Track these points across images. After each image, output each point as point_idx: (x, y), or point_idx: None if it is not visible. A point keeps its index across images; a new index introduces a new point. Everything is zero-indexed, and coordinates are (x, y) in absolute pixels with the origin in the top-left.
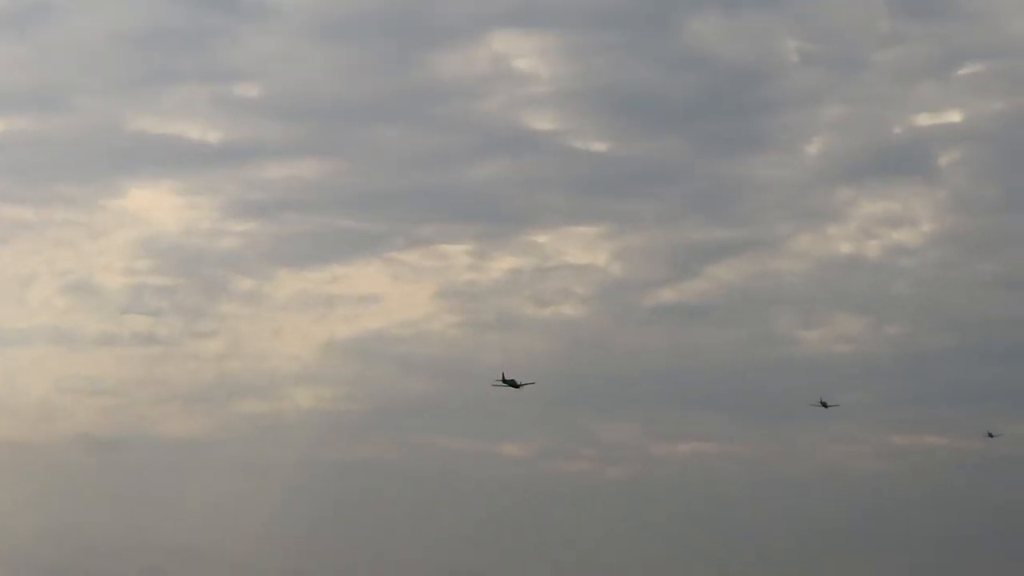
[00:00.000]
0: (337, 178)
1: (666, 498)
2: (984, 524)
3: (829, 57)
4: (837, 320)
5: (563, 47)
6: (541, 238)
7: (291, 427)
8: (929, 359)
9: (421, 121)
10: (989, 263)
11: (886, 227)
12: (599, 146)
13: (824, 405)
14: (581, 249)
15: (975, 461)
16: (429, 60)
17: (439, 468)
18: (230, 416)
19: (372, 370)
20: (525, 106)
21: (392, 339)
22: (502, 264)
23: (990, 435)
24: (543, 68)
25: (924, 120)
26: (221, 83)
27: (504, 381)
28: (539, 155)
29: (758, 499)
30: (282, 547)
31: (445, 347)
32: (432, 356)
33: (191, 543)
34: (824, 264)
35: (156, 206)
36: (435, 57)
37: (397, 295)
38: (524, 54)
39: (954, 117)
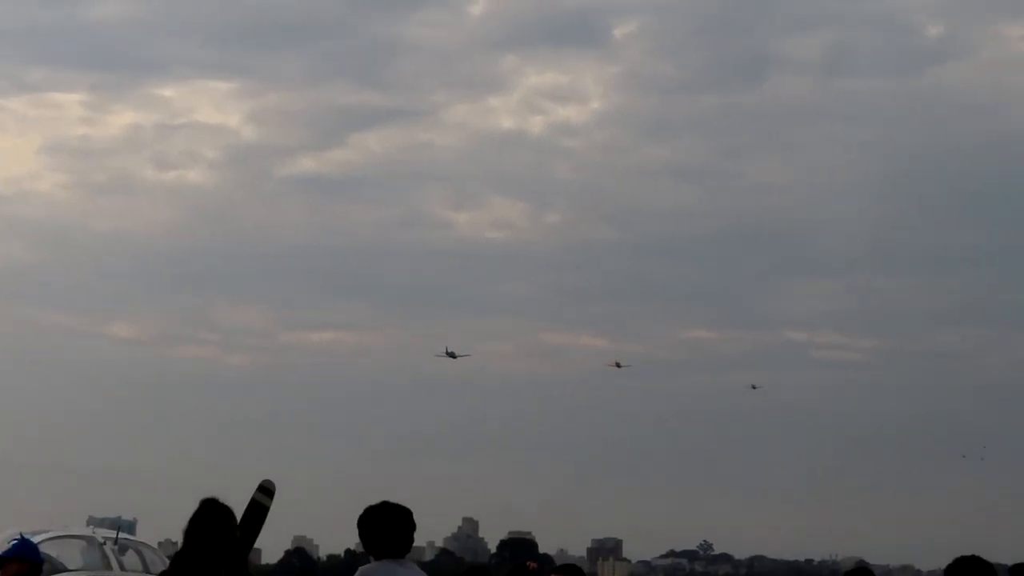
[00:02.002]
0: None
1: (295, 391)
2: (638, 433)
3: None
4: (492, 203)
5: None
6: (167, 92)
7: None
8: (591, 251)
9: None
10: (661, 149)
11: (552, 102)
12: None
13: (618, 365)
14: (212, 107)
15: (635, 365)
16: None
17: (35, 347)
18: None
19: None
20: None
21: None
22: (121, 119)
23: (753, 387)
24: None
25: None
26: None
27: (447, 353)
28: None
29: (394, 395)
30: None
31: (50, 210)
32: (34, 219)
33: None
34: (481, 139)
35: None
36: None
37: None
38: None
39: None
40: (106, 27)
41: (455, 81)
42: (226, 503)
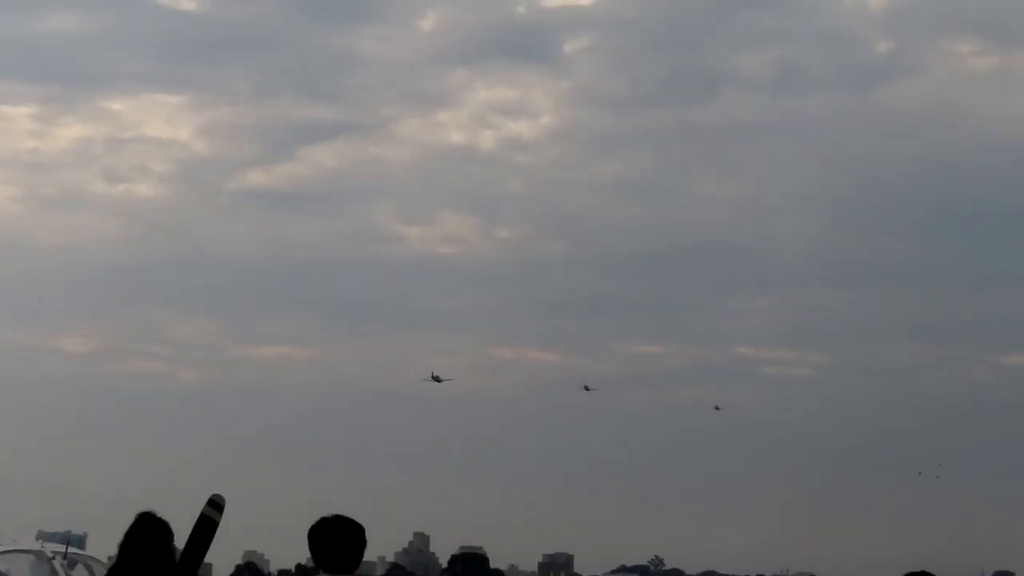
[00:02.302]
0: None
1: (244, 406)
2: (589, 447)
3: None
4: (443, 217)
5: None
6: (117, 105)
7: None
8: (541, 267)
9: None
10: (611, 164)
11: (503, 117)
12: (188, 4)
13: (587, 388)
14: (162, 121)
15: (584, 380)
16: None
17: None
18: None
19: None
20: None
21: None
22: (70, 132)
23: (716, 408)
24: None
25: (550, 1)
26: None
27: (432, 378)
28: (119, 9)
29: (345, 409)
30: None
31: None
32: None
33: None
34: (432, 154)
35: None
36: None
37: None
38: None
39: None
40: (56, 40)
41: (405, 95)
42: (162, 517)
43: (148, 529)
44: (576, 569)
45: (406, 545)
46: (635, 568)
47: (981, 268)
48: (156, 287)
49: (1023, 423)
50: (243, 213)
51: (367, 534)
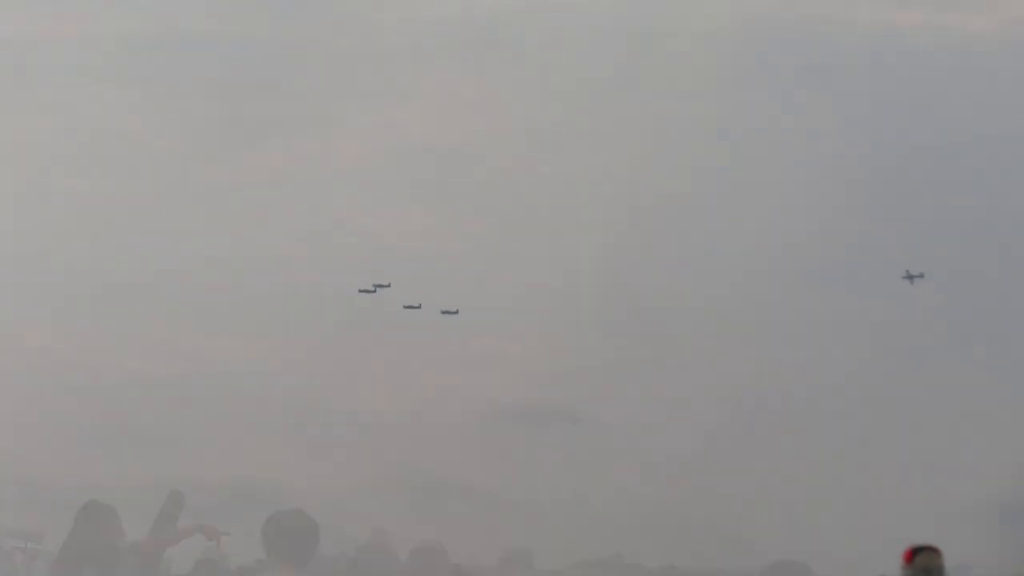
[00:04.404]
0: None
1: (205, 404)
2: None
3: None
4: (407, 213)
5: None
6: (73, 99)
7: None
8: (508, 261)
9: None
10: (578, 158)
11: (467, 111)
12: None
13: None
14: (121, 116)
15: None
16: None
17: None
18: None
19: None
20: None
21: None
22: (27, 125)
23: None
24: None
25: None
26: None
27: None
28: (75, 4)
29: (306, 407)
30: None
31: None
32: None
33: None
34: (395, 148)
35: None
36: None
37: None
38: None
39: None
40: (14, 35)
41: (367, 89)
42: (106, 503)
43: (90, 516)
44: (536, 564)
45: (365, 541)
46: (596, 563)
47: None
48: (120, 283)
49: None
50: (205, 208)
51: (323, 529)
